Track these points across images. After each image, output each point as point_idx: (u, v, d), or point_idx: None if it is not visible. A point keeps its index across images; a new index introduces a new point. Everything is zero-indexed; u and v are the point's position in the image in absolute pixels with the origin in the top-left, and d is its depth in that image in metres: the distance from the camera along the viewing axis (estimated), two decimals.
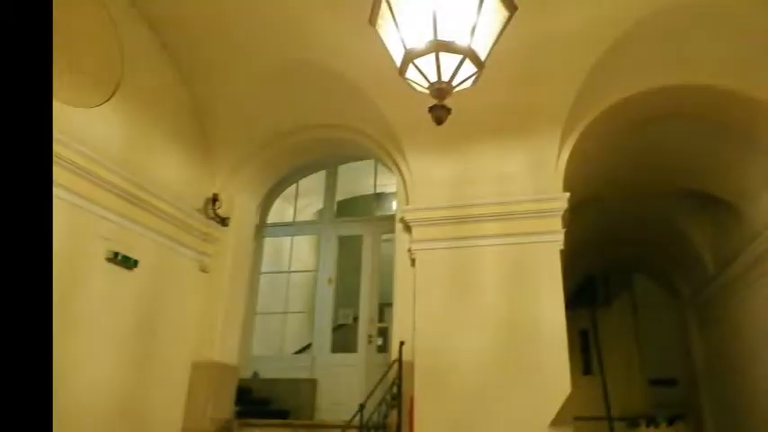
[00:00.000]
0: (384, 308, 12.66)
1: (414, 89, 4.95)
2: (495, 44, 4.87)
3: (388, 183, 13.79)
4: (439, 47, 4.51)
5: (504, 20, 4.79)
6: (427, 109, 4.82)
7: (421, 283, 9.62)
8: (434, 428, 8.69)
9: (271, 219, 14.07)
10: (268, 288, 13.87)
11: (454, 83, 4.71)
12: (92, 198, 8.08)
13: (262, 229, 13.63)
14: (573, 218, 10.19)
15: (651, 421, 17.34)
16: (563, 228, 9.37)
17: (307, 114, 10.79)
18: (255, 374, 12.67)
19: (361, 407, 8.23)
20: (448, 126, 5.07)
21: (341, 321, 14.13)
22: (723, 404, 14.34)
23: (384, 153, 10.69)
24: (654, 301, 18.91)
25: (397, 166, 10.49)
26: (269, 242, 14.10)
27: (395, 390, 9.04)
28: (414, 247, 9.84)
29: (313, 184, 14.40)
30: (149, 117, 9.39)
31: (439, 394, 8.88)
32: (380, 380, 9.24)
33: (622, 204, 13.39)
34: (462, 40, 4.54)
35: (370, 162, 13.01)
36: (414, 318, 9.41)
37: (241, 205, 11.25)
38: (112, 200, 8.46)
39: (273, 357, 13.37)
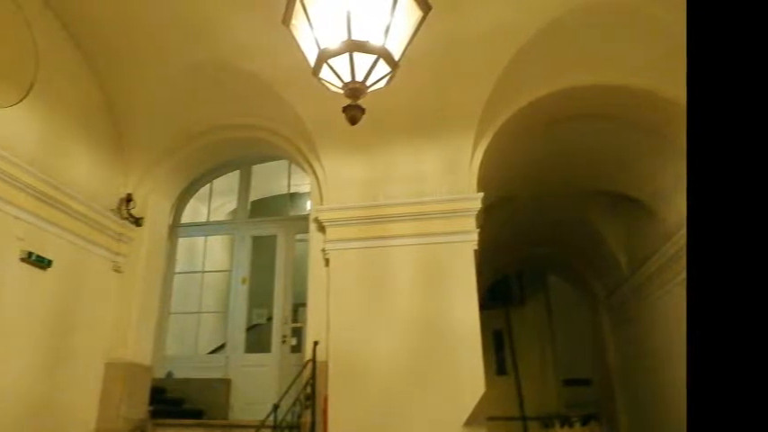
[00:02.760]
0: (298, 308, 12.63)
1: (328, 89, 4.96)
2: (409, 44, 4.92)
3: (302, 183, 13.82)
4: (353, 47, 4.53)
5: (419, 20, 4.84)
6: (341, 109, 4.82)
7: (335, 283, 9.64)
8: (348, 428, 8.70)
9: (185, 219, 13.92)
10: (182, 288, 13.74)
11: (368, 83, 4.74)
12: (5, 198, 7.97)
13: (175, 229, 13.50)
14: (487, 217, 10.31)
15: (565, 421, 17.60)
16: (477, 227, 9.47)
17: (221, 114, 10.73)
18: (169, 374, 12.56)
19: (275, 407, 8.26)
20: (362, 126, 5.12)
21: (255, 321, 14.09)
22: (637, 404, 14.64)
23: (298, 153, 10.66)
24: (568, 301, 19.21)
25: (311, 165, 10.47)
26: (183, 242, 13.95)
27: (309, 390, 9.04)
28: (327, 247, 9.84)
29: (227, 184, 14.28)
30: (63, 116, 9.26)
31: (353, 394, 8.91)
32: (294, 380, 9.23)
33: (536, 204, 13.57)
34: (376, 40, 4.57)
35: (285, 162, 12.96)
36: (328, 318, 9.43)
37: (155, 205, 11.14)
38: (26, 199, 8.35)
39: (187, 357, 13.26)
